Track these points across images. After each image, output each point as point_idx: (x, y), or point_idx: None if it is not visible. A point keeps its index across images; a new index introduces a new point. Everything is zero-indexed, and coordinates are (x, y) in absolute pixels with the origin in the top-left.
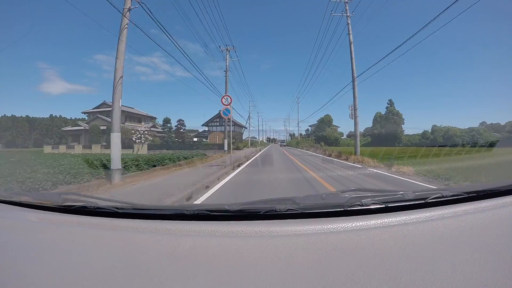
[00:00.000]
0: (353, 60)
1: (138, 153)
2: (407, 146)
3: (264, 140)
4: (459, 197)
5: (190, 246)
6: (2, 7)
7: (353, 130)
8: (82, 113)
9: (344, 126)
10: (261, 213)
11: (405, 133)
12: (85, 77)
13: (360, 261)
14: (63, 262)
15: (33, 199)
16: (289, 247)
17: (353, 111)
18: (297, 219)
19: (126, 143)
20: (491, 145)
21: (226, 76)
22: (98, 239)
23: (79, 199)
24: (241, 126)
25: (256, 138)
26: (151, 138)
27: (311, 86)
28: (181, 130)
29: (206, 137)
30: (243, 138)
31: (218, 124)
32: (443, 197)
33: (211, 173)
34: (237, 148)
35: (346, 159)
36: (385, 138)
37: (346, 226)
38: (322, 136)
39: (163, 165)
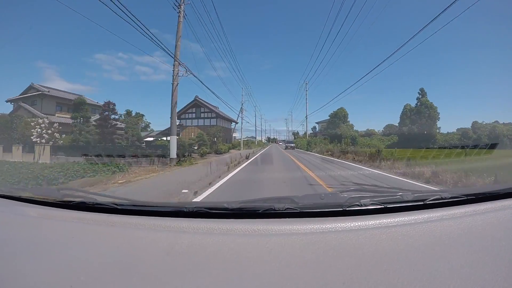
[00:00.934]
0: None
1: (39, 160)
2: (443, 147)
3: (264, 140)
4: (458, 199)
5: (189, 243)
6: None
7: (370, 127)
8: (6, 101)
9: (357, 124)
10: (259, 211)
11: (440, 131)
12: (85, 76)
13: (358, 261)
14: (62, 257)
15: (33, 194)
16: (287, 246)
17: None
18: (296, 218)
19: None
20: None
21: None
22: (97, 235)
23: (78, 195)
24: (230, 121)
25: (254, 137)
26: (59, 136)
27: (319, 75)
28: (110, 121)
29: (178, 134)
30: (235, 137)
31: (194, 116)
32: (442, 199)
33: None
34: (217, 152)
35: None
36: (416, 137)
37: (345, 226)
38: (336, 135)
39: None
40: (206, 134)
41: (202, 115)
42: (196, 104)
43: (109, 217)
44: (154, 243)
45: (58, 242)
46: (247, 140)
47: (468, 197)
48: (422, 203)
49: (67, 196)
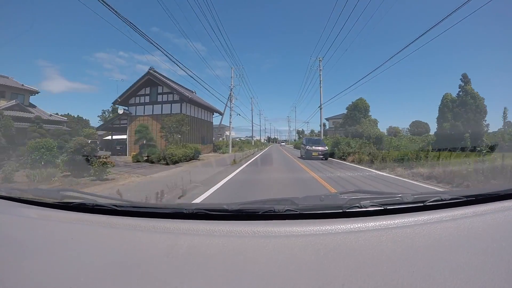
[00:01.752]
0: None
1: None
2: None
3: (263, 140)
4: (458, 200)
5: (188, 245)
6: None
7: (393, 125)
8: None
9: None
10: (259, 213)
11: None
12: (86, 75)
13: (357, 262)
14: (62, 258)
15: (33, 195)
16: (287, 247)
17: None
18: (296, 220)
19: None
20: None
21: None
22: (97, 236)
23: (78, 196)
24: (211, 110)
25: (251, 136)
26: None
27: (327, 62)
28: None
29: (124, 129)
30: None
31: (148, 100)
32: (442, 200)
33: None
34: (168, 161)
35: None
36: (460, 136)
37: (345, 227)
38: (357, 133)
39: None
40: (161, 127)
41: (159, 98)
42: (151, 81)
43: (109, 218)
44: (153, 245)
45: (57, 243)
46: (245, 139)
47: (468, 198)
48: (422, 204)
49: (67, 197)
